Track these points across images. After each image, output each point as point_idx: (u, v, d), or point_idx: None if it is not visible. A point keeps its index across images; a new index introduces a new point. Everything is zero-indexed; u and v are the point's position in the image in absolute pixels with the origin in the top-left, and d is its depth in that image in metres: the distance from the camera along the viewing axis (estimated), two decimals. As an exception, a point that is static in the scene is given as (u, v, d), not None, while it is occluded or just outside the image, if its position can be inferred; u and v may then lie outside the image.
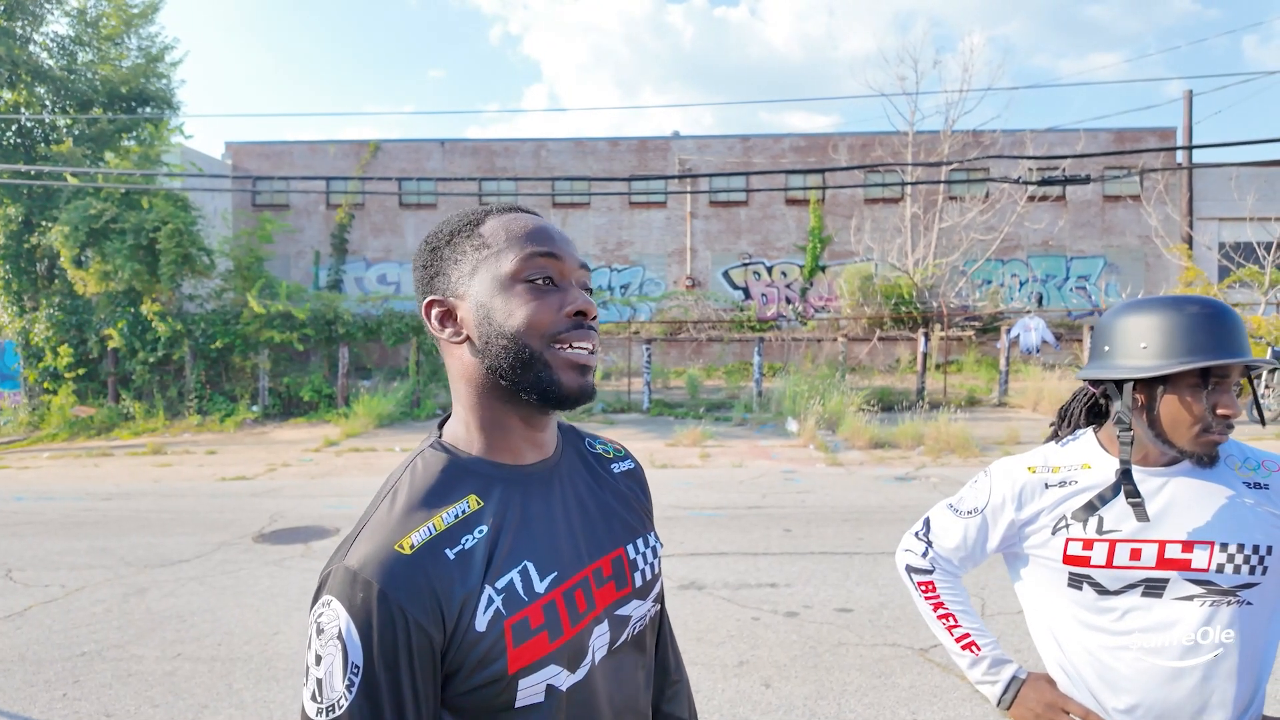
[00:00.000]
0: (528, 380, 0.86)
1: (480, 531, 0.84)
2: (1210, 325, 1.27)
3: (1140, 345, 1.30)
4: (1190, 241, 17.18)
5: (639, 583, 0.95)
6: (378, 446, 11.46)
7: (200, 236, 14.54)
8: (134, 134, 16.76)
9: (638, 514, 1.02)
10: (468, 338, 0.89)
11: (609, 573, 0.92)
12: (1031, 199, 18.37)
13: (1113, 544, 1.32)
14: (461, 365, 0.91)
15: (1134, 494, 1.30)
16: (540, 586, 0.84)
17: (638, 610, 0.95)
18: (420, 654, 0.77)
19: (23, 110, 15.41)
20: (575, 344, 0.87)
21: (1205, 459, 1.31)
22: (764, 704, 3.40)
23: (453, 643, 0.79)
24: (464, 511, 0.85)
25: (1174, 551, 1.29)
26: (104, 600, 4.89)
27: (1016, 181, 15.15)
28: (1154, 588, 1.30)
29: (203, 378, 14.63)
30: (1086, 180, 12.08)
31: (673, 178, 17.17)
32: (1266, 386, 11.90)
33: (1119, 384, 1.34)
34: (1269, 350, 12.05)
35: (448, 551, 0.81)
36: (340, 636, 0.76)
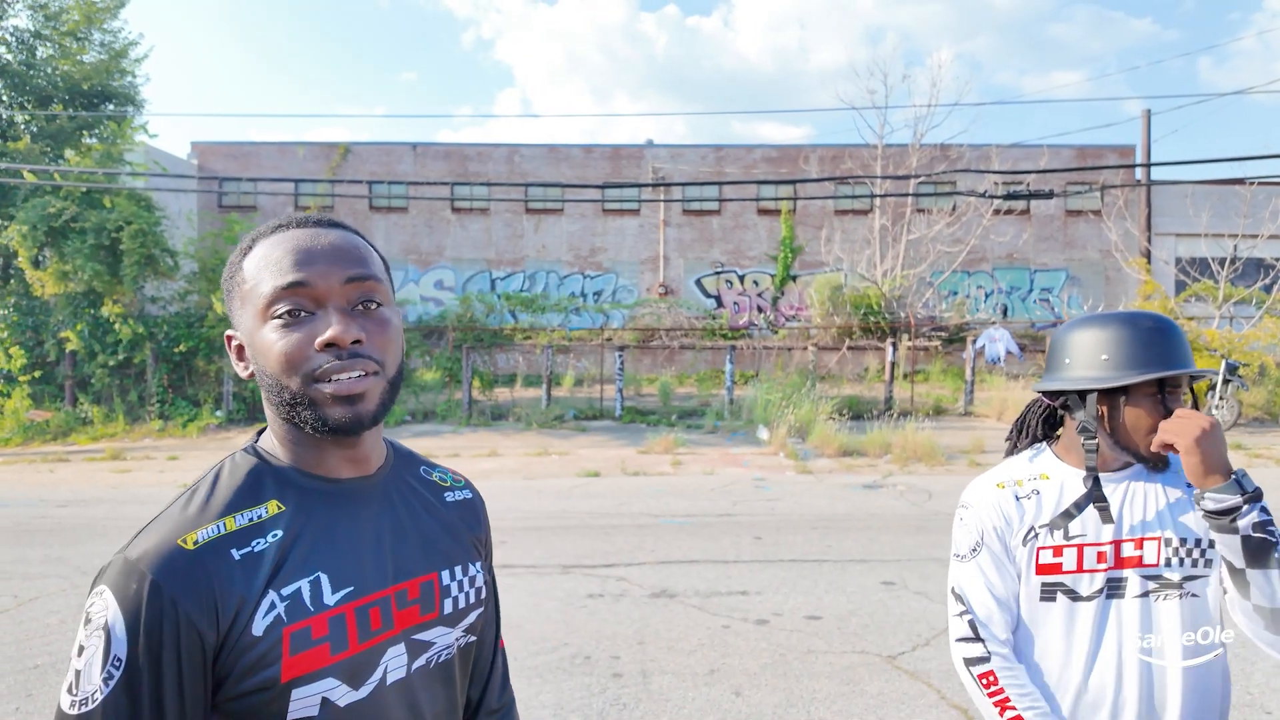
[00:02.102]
0: (299, 416, 0.84)
1: (274, 536, 0.83)
2: (1163, 338, 1.36)
3: (1101, 357, 1.37)
4: (1149, 256, 17.67)
5: (448, 610, 0.94)
6: (345, 453, 11.28)
7: (164, 237, 14.24)
8: (96, 131, 16.40)
9: (464, 544, 1.00)
10: (253, 372, 0.89)
11: (415, 595, 0.91)
12: (997, 212, 18.75)
13: (1080, 548, 1.37)
14: (261, 390, 0.91)
15: (1102, 499, 1.36)
16: (331, 599, 0.83)
17: (443, 638, 0.94)
18: (189, 651, 0.75)
19: (-21, 105, 14.98)
20: (334, 376, 0.83)
21: (1160, 462, 1.39)
22: (734, 712, 3.41)
23: (226, 644, 0.78)
24: (261, 516, 0.84)
25: (1129, 549, 1.36)
26: (58, 611, 4.75)
27: (982, 195, 15.46)
28: (1116, 588, 1.36)
29: (165, 382, 14.30)
30: (1049, 195, 12.38)
31: (646, 185, 17.24)
32: (1220, 398, 12.25)
33: (1082, 395, 1.40)
34: (1223, 363, 12.38)
35: (234, 552, 0.80)
36: (106, 627, 0.74)
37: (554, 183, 18.92)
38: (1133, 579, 1.35)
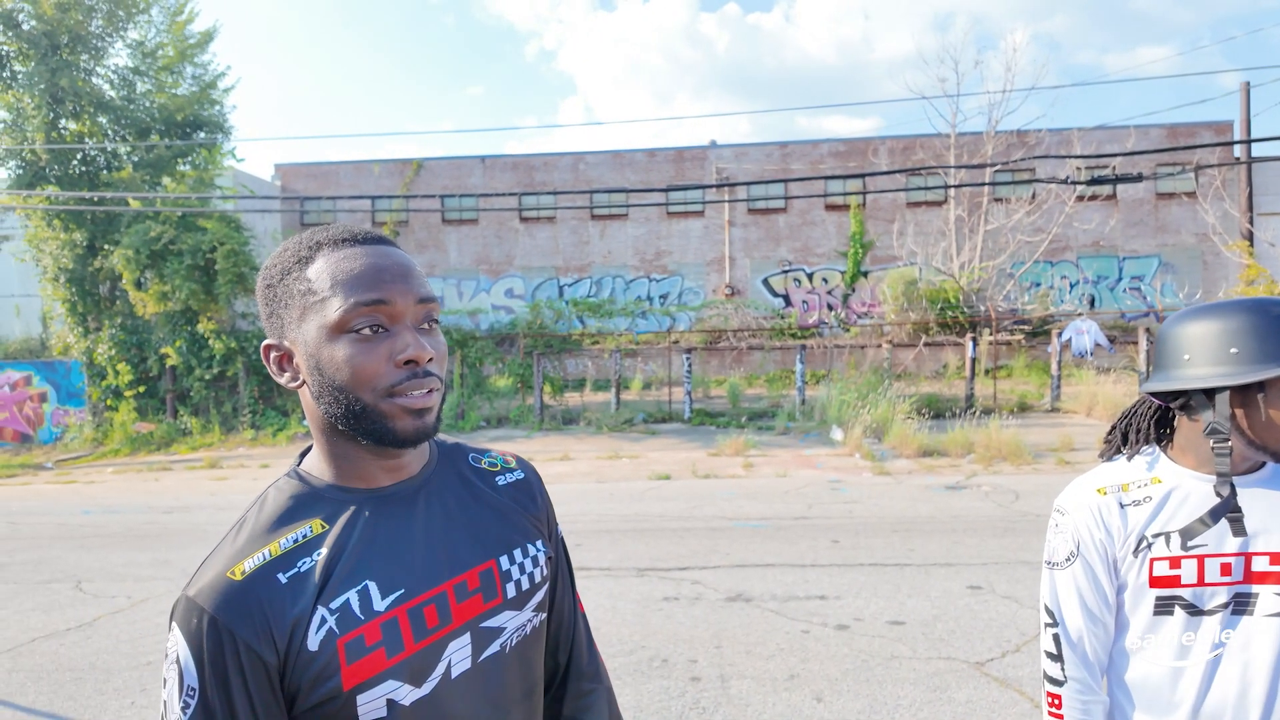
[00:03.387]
0: (362, 429, 0.87)
1: (318, 554, 0.86)
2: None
3: (1230, 350, 1.24)
4: (1251, 238, 16.53)
5: (511, 594, 0.96)
6: (424, 459, 11.63)
7: (253, 256, 15.02)
8: (189, 159, 17.41)
9: (520, 525, 1.02)
10: (304, 382, 0.89)
11: (475, 585, 0.93)
12: (1080, 199, 17.89)
13: (1201, 560, 1.27)
14: (306, 405, 0.93)
15: (1236, 508, 1.25)
16: (381, 605, 0.86)
17: (512, 621, 0.96)
18: (254, 674, 0.81)
19: (86, 140, 16.11)
20: (411, 392, 0.86)
21: None
22: (816, 718, 3.35)
23: (288, 663, 0.82)
24: (304, 536, 0.87)
25: (1261, 564, 1.25)
26: (167, 611, 5.05)
27: (1064, 182, 14.78)
28: (1244, 603, 1.26)
29: (256, 393, 15.06)
30: (1138, 178, 11.74)
31: (710, 186, 17.17)
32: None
33: (1209, 394, 1.28)
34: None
35: (280, 576, 0.84)
36: (178, 661, 0.81)
37: (618, 188, 19.05)
38: (1265, 595, 1.25)
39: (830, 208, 20.49)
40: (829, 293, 20.52)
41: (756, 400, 15.51)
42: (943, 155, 18.66)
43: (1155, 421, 1.43)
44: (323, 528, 0.88)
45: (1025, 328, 16.62)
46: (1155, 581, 1.29)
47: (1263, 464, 1.32)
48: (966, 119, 19.01)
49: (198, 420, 14.74)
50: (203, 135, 17.48)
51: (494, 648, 0.93)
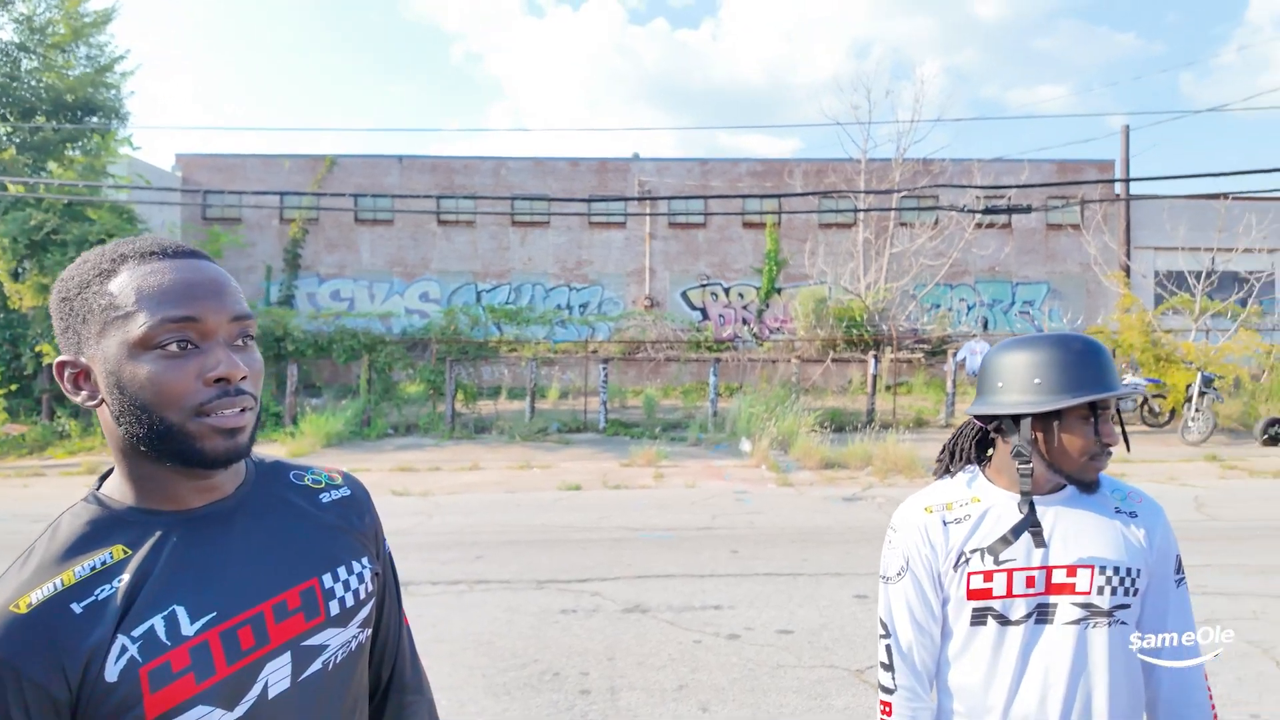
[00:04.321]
0: (168, 449, 0.85)
1: (119, 581, 0.82)
2: (1093, 361, 1.37)
3: (1034, 381, 1.37)
4: (1128, 270, 17.89)
5: (334, 611, 0.95)
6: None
7: (146, 250, 14.17)
8: (79, 144, 16.34)
9: (345, 542, 1.01)
10: (102, 400, 0.86)
11: (296, 604, 0.91)
12: (979, 226, 18.94)
13: (1010, 573, 1.37)
14: (105, 425, 0.88)
15: (1036, 524, 1.37)
16: (189, 629, 0.83)
17: (336, 639, 0.95)
18: (39, 712, 0.77)
19: (-40, 117, 14.92)
20: (222, 411, 0.84)
21: (1090, 485, 1.40)
22: (701, 728, 3.42)
23: (81, 698, 0.78)
24: (104, 563, 0.83)
25: (1060, 576, 1.36)
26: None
27: (964, 210, 15.63)
28: (1045, 613, 1.37)
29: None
30: (1028, 210, 12.54)
31: (632, 199, 17.33)
32: (1197, 409, 12.39)
33: (1016, 419, 1.40)
34: (1199, 375, 12.56)
35: (74, 606, 0.80)
36: None
37: (540, 195, 19.00)
38: (1063, 605, 1.36)
39: (748, 225, 21.00)
40: (744, 307, 21.01)
41: (671, 411, 15.69)
42: (854, 180, 19.42)
43: (977, 443, 1.55)
44: (125, 553, 0.84)
45: (925, 347, 17.45)
46: (972, 594, 1.39)
47: (1065, 485, 1.44)
48: (877, 145, 19.91)
49: (77, 423, 13.77)
50: (95, 120, 16.45)
51: (316, 666, 0.92)
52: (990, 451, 1.53)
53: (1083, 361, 1.37)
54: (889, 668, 1.45)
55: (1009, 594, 1.36)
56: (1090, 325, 16.30)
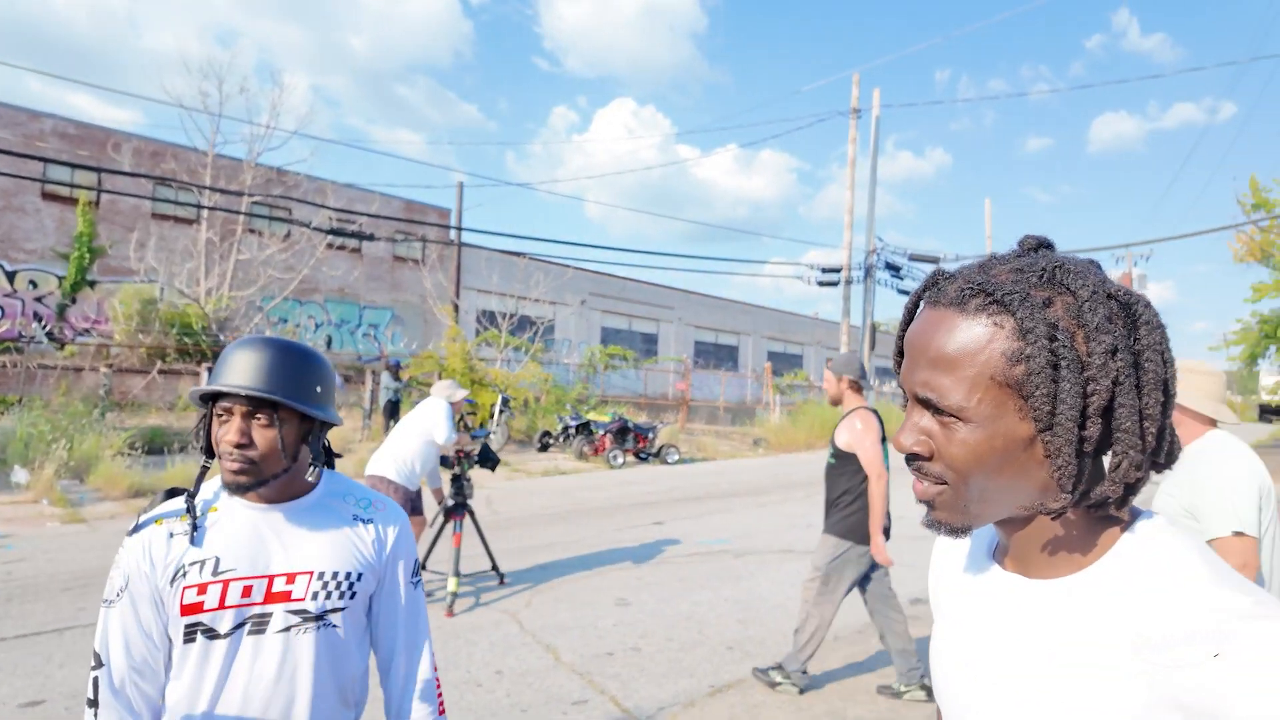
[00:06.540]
0: None
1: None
2: (232, 357, 1.35)
3: (206, 369, 1.43)
4: (456, 307, 20.78)
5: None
6: None
7: None
8: None
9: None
10: None
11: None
12: (330, 246, 19.35)
13: (227, 583, 1.32)
14: None
15: (195, 519, 1.33)
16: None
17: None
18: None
19: None
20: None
21: (235, 489, 1.34)
22: None
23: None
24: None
25: (281, 584, 1.35)
26: None
27: (315, 228, 15.74)
28: (260, 623, 1.34)
29: None
30: (372, 238, 13.38)
31: None
32: (497, 424, 15.09)
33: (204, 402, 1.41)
34: (499, 396, 15.32)
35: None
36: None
37: None
38: (278, 614, 1.35)
39: (50, 197, 16.84)
40: (39, 299, 16.70)
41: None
42: (198, 173, 17.57)
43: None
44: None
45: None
46: (185, 609, 1.30)
47: (309, 489, 1.45)
48: (228, 143, 18.42)
49: None
50: None
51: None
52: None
53: (225, 357, 1.36)
54: (94, 704, 1.28)
55: (221, 605, 1.31)
56: (424, 350, 18.25)
